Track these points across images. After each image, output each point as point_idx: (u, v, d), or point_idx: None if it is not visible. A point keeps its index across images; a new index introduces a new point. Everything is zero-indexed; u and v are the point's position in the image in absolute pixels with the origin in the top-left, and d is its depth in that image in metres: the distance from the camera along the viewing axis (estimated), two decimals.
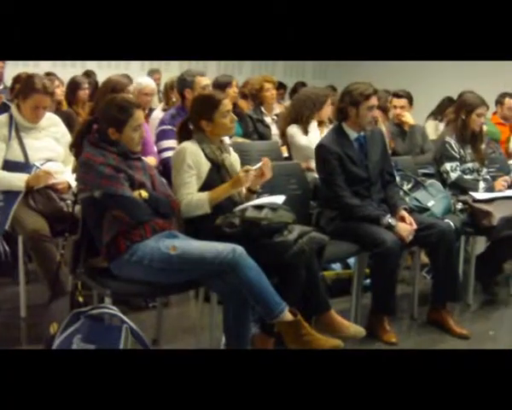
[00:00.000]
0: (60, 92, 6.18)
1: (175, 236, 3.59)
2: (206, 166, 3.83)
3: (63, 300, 3.71)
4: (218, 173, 3.88)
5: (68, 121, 5.70)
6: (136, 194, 3.47)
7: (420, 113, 7.91)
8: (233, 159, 4.04)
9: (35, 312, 4.32)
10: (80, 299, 3.48)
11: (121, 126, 3.54)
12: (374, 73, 10.51)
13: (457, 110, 5.41)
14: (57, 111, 5.98)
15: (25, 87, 4.43)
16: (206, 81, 5.17)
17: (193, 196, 3.73)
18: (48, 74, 7.56)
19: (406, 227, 4.34)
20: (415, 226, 4.37)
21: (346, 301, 4.72)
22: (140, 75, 7.53)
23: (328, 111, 5.69)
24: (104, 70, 9.71)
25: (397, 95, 6.31)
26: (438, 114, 8.30)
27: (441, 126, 7.97)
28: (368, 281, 4.77)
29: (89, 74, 9.12)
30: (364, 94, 4.46)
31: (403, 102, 6.30)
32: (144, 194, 3.49)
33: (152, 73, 9.90)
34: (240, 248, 3.37)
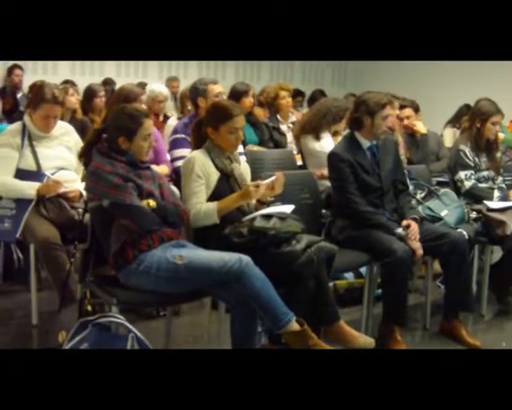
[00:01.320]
0: (75, 100, 6.19)
1: (182, 245, 3.59)
2: (215, 175, 3.82)
3: (72, 308, 3.70)
4: (227, 183, 3.87)
5: (83, 130, 5.74)
6: (144, 203, 3.47)
7: (440, 120, 7.90)
8: (243, 168, 4.03)
9: (47, 319, 4.33)
10: (89, 307, 3.49)
11: (131, 136, 3.55)
12: (393, 81, 10.53)
13: (472, 118, 5.37)
14: (72, 119, 6.04)
15: (35, 97, 4.47)
16: (219, 89, 5.17)
17: (201, 205, 3.73)
18: (66, 82, 7.65)
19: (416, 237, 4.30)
20: (418, 238, 4.32)
21: (358, 310, 4.68)
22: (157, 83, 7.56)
23: (345, 123, 5.68)
24: (122, 78, 9.82)
25: (401, 106, 6.28)
26: (456, 121, 8.25)
27: (459, 134, 7.94)
28: (380, 291, 4.69)
29: (107, 82, 9.17)
30: (380, 103, 4.44)
31: (408, 111, 6.26)
32: (152, 203, 3.50)
33: (170, 81, 9.95)
34: (246, 258, 3.36)
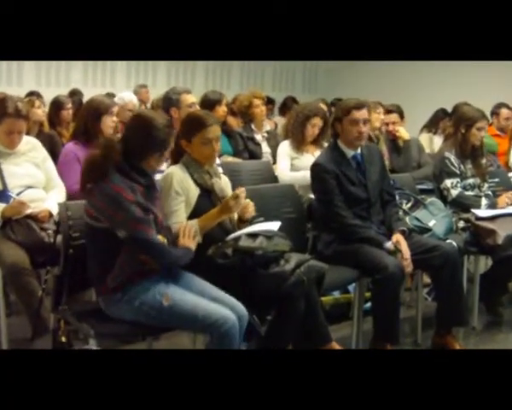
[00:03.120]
0: (41, 113, 5.91)
1: (172, 275, 3.34)
2: (194, 191, 3.60)
3: (46, 337, 3.54)
4: (208, 199, 3.65)
5: (51, 144, 5.52)
6: (160, 238, 3.23)
7: (413, 125, 7.76)
8: (223, 183, 3.81)
9: (19, 346, 4.02)
10: (63, 339, 3.26)
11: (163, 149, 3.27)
12: (364, 85, 10.44)
13: (456, 124, 5.24)
14: (39, 133, 5.79)
15: None
16: (192, 99, 4.94)
17: (181, 225, 3.48)
18: (31, 94, 7.39)
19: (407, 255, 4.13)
20: (408, 254, 4.14)
21: (345, 326, 4.55)
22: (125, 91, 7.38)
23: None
24: (89, 88, 9.56)
25: (387, 110, 6.11)
26: (431, 126, 8.21)
27: (435, 139, 7.96)
28: (368, 305, 4.53)
29: (74, 93, 8.90)
30: (345, 109, 4.29)
31: (394, 117, 6.16)
32: (164, 240, 3.27)
33: (139, 89, 9.73)
34: (233, 320, 3.13)
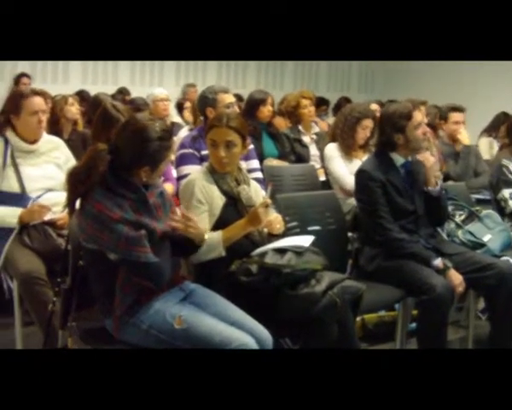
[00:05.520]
0: (75, 111, 5.66)
1: (187, 294, 3.03)
2: (219, 200, 3.30)
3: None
4: (234, 209, 3.34)
5: (85, 143, 5.29)
6: None
7: (472, 129, 7.36)
8: (253, 190, 3.48)
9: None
10: None
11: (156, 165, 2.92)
12: (421, 86, 10.04)
13: None
14: (73, 132, 5.61)
15: (12, 102, 3.96)
16: (229, 99, 4.62)
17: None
18: (78, 93, 7.45)
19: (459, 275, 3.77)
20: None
21: (389, 347, 4.23)
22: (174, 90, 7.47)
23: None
24: (137, 86, 9.36)
25: (456, 109, 5.70)
26: (492, 130, 7.95)
27: (496, 144, 7.70)
28: (414, 324, 4.17)
29: (122, 92, 8.73)
30: (405, 114, 3.90)
31: (457, 116, 5.76)
32: None
33: (187, 88, 9.52)
34: (250, 348, 2.78)
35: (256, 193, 3.50)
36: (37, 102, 3.93)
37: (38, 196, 3.87)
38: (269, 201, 3.24)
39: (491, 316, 4.18)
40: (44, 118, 3.99)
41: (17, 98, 3.94)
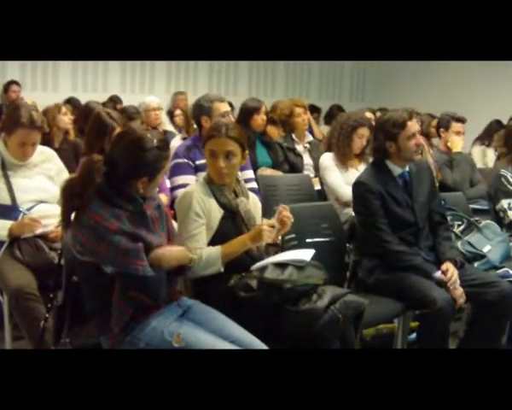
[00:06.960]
0: (67, 120, 5.59)
1: (185, 310, 2.95)
2: (217, 213, 3.20)
3: None
4: (232, 222, 3.25)
5: (76, 152, 5.22)
6: None
7: (465, 138, 7.33)
8: (251, 202, 3.39)
9: None
10: None
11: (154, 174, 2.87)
12: (413, 94, 9.99)
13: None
14: (64, 141, 5.55)
15: (9, 120, 3.84)
16: (225, 108, 4.54)
17: (202, 251, 3.09)
18: (68, 101, 7.47)
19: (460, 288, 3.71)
20: (458, 284, 3.72)
21: None
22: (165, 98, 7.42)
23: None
24: (127, 94, 9.28)
25: (459, 119, 5.64)
26: (485, 138, 7.91)
27: (489, 152, 7.73)
28: (413, 336, 4.15)
29: (113, 100, 8.65)
30: (399, 123, 3.84)
31: (463, 127, 5.74)
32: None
33: (176, 96, 9.44)
34: None
35: (255, 205, 3.42)
36: (30, 135, 3.81)
37: (30, 208, 3.80)
38: (276, 224, 3.15)
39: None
40: (34, 148, 3.89)
41: (11, 121, 3.82)
